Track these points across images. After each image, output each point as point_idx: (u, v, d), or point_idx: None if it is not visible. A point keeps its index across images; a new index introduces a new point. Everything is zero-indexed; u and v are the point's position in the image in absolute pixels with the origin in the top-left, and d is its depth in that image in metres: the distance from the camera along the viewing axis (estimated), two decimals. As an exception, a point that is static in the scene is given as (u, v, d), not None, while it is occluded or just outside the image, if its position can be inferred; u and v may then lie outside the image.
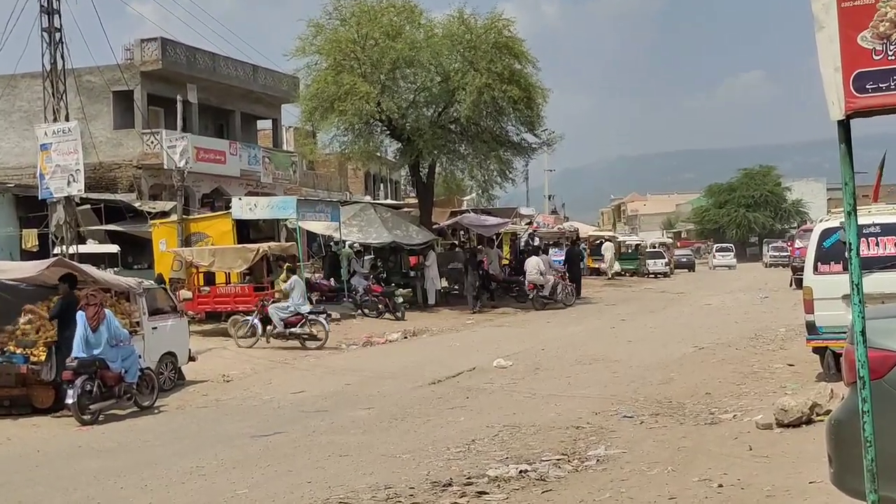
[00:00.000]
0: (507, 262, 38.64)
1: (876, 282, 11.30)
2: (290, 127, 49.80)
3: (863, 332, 4.77)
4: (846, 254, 4.96)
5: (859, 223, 14.14)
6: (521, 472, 9.18)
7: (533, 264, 31.59)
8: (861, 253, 13.70)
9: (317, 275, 30.41)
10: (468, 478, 9.10)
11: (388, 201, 47.65)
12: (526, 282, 31.96)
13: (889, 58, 4.73)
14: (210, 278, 25.78)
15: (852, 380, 5.52)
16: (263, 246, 24.37)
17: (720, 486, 8.27)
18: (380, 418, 12.78)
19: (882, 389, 5.10)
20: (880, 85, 4.74)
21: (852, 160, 4.84)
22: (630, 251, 58.25)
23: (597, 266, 51.05)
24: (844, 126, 4.83)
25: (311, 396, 15.18)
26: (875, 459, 4.72)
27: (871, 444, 4.65)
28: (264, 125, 49.66)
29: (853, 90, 4.78)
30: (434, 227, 34.56)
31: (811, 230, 37.88)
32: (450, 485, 8.87)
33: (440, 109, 32.22)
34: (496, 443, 10.68)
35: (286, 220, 28.55)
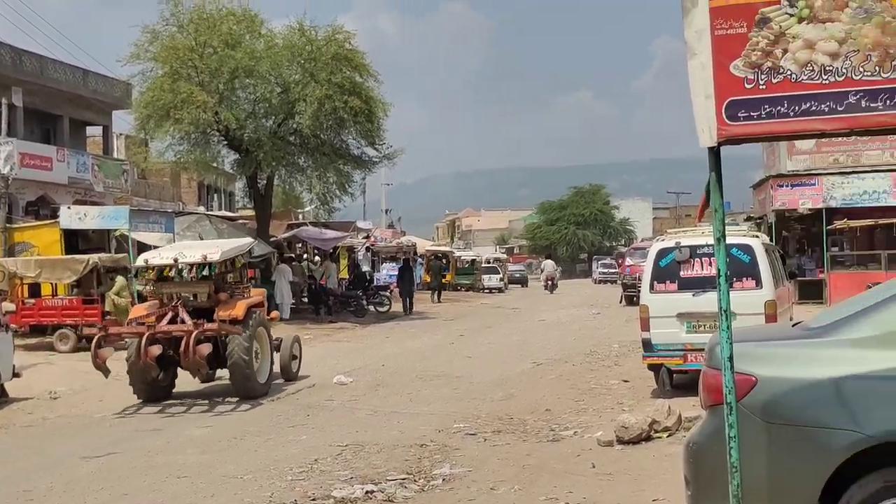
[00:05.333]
0: (344, 275, 38.44)
1: (711, 301, 11.64)
2: (121, 134, 48.18)
3: (731, 358, 4.82)
4: (717, 278, 4.99)
5: (694, 244, 14.62)
6: (367, 492, 9.02)
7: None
8: (696, 272, 14.12)
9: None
10: (313, 499, 8.90)
11: (223, 213, 46.61)
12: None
13: (761, 87, 4.81)
14: (35, 290, 24.57)
15: (710, 403, 5.59)
16: (94, 257, 23.37)
17: (567, 504, 8.32)
18: (218, 437, 12.37)
19: (740, 412, 5.17)
20: (752, 114, 4.82)
21: (722, 187, 4.88)
22: (466, 266, 58.76)
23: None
24: (715, 153, 4.87)
25: (145, 414, 14.57)
26: (741, 485, 4.77)
27: (737, 469, 4.70)
28: (94, 132, 47.80)
29: (725, 118, 4.84)
30: (271, 239, 34.00)
31: (642, 248, 39.09)
32: (295, 507, 8.64)
33: (280, 121, 31.78)
34: (340, 462, 10.46)
35: (117, 230, 27.54)
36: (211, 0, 31.11)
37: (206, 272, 15.86)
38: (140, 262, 16.64)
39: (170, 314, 15.43)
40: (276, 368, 17.00)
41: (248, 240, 20.96)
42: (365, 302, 34.93)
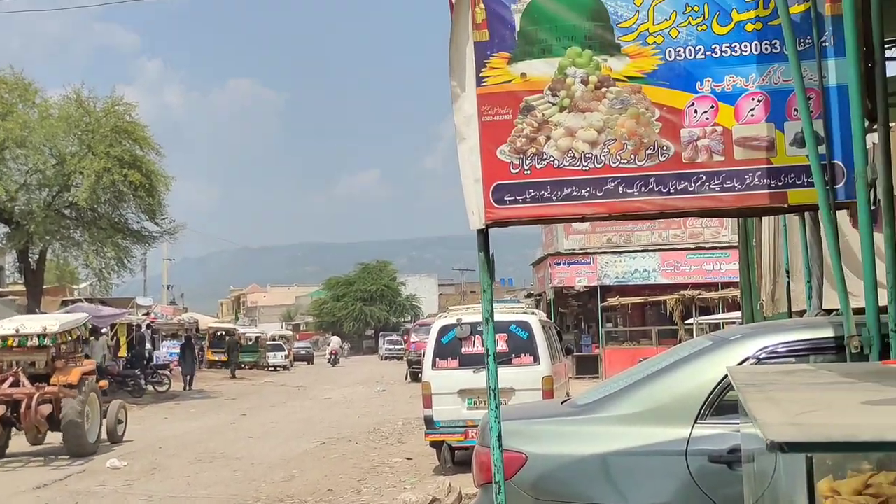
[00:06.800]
0: (122, 354, 36.95)
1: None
2: None
3: (499, 437, 4.88)
4: (486, 356, 5.07)
5: (475, 321, 14.85)
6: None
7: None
8: (477, 349, 14.33)
9: None
10: None
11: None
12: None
13: (526, 172, 4.98)
14: None
15: (483, 481, 5.64)
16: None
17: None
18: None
19: (511, 490, 5.23)
20: (517, 197, 4.97)
21: (490, 268, 4.99)
22: (250, 344, 57.71)
23: (216, 359, 50.27)
24: (484, 235, 4.98)
25: None
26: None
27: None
28: None
29: (492, 201, 4.98)
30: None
31: (426, 324, 39.41)
32: None
33: (55, 193, 30.56)
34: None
35: None
36: (-19, 67, 29.83)
37: (45, 342, 17.74)
38: None
39: (10, 379, 17.28)
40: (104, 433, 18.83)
41: (84, 315, 21.64)
42: (143, 381, 33.65)
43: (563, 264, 37.70)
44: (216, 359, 50.41)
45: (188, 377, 36.30)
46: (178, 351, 40.06)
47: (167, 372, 36.10)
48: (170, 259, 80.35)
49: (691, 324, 31.99)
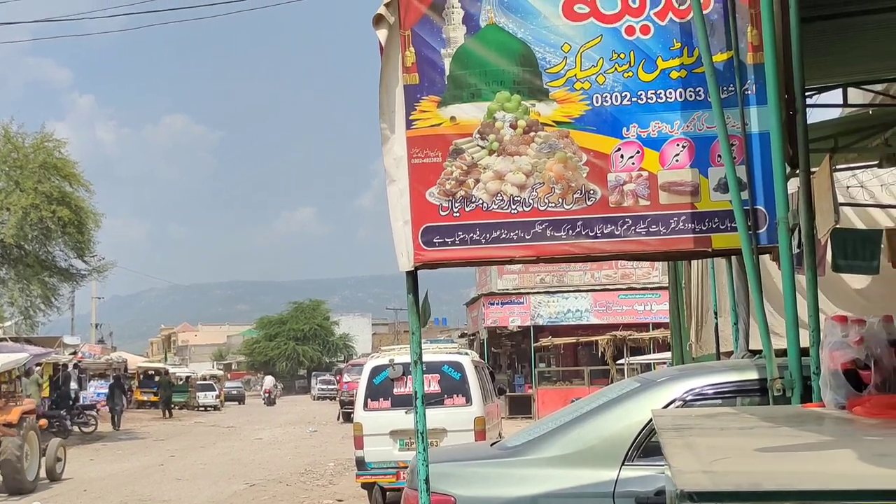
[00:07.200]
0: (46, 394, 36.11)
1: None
2: None
3: (426, 480, 4.86)
4: (414, 399, 5.05)
5: (403, 362, 14.82)
6: None
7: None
8: (410, 390, 14.32)
9: None
10: None
11: None
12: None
13: (454, 214, 5.01)
14: None
15: (412, 524, 5.61)
16: None
17: None
18: None
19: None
20: (446, 240, 4.99)
21: (419, 310, 4.99)
22: (180, 383, 56.83)
23: (145, 399, 49.47)
24: (413, 277, 4.99)
25: None
26: None
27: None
28: None
29: (421, 243, 4.99)
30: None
31: (359, 364, 39.28)
32: None
33: (-21, 229, 29.95)
34: None
35: None
36: None
37: None
38: None
39: None
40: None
41: (25, 354, 22.17)
42: (69, 422, 32.90)
43: (497, 304, 37.82)
44: (145, 398, 49.59)
45: (116, 417, 35.60)
46: (107, 391, 39.31)
47: (94, 412, 35.38)
48: (99, 297, 78.87)
49: (623, 364, 32.25)
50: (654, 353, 32.21)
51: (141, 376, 52.41)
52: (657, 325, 34.44)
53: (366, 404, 14.06)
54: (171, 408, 47.08)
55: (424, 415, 5.02)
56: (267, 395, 63.44)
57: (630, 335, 34.37)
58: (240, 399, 68.79)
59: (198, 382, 59.15)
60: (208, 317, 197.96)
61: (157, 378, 50.84)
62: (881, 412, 3.20)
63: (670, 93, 5.17)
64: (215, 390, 58.96)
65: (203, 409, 55.06)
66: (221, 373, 76.59)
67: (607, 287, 37.60)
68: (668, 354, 20.15)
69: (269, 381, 67.51)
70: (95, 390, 45.95)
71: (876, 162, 10.49)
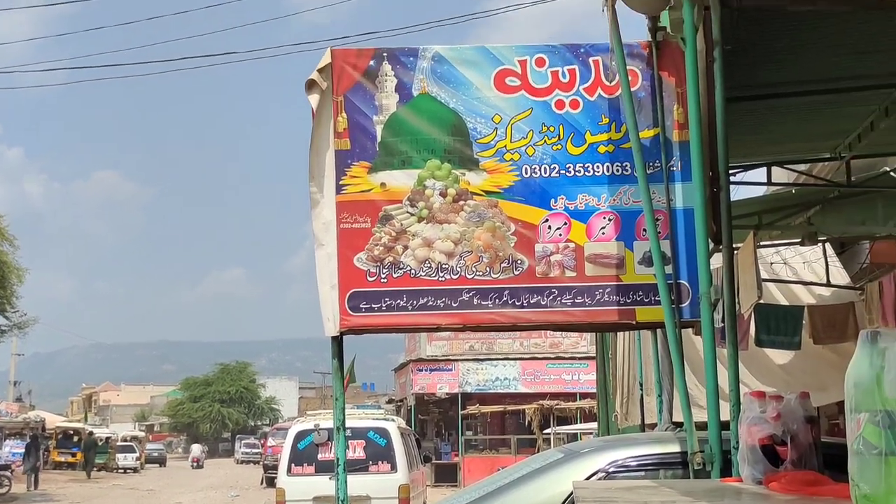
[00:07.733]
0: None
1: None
2: None
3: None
4: (335, 466, 5.00)
5: (328, 427, 14.66)
6: None
7: None
8: (330, 455, 14.17)
9: None
10: None
11: None
12: None
13: (382, 280, 5.01)
14: None
15: None
16: None
17: None
18: None
19: None
20: (373, 305, 4.99)
21: (343, 375, 4.96)
22: (100, 444, 55.45)
23: (63, 460, 48.16)
24: (338, 342, 4.96)
25: None
26: None
27: None
28: None
29: (348, 309, 4.98)
30: None
31: (284, 428, 38.84)
32: None
33: None
34: None
35: None
36: None
37: None
38: None
39: None
40: None
41: None
42: (-20, 483, 31.93)
43: (425, 370, 37.67)
44: (62, 459, 48.22)
45: (32, 477, 34.58)
46: (23, 451, 38.20)
47: (8, 473, 34.35)
48: (19, 354, 77.06)
49: (549, 433, 32.23)
50: (580, 422, 32.25)
51: (59, 436, 51.03)
52: (584, 395, 34.50)
53: (289, 469, 13.86)
54: (92, 466, 45.94)
55: (346, 482, 4.97)
56: (195, 462, 62.94)
57: (557, 404, 34.39)
58: (161, 461, 67.34)
59: (118, 444, 57.77)
60: (133, 376, 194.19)
61: (76, 438, 49.55)
62: (797, 488, 3.23)
63: (598, 167, 5.26)
64: (136, 452, 57.63)
65: (122, 471, 53.74)
66: (143, 434, 74.95)
67: (536, 356, 37.66)
68: (594, 425, 20.19)
69: (196, 448, 66.81)
70: (11, 450, 44.67)
71: (798, 240, 10.74)
